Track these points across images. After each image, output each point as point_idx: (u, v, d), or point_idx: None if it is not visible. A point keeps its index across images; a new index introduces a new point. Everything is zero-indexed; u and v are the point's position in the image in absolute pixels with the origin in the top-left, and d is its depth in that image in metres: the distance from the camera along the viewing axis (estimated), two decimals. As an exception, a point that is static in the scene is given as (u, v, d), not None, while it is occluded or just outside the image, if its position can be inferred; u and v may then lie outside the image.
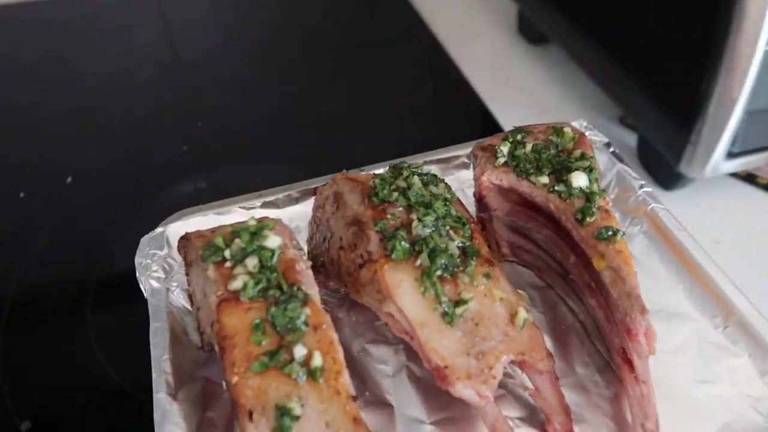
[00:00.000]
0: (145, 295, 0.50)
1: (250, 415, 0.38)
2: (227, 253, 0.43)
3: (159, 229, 0.54)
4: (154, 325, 0.48)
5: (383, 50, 0.95)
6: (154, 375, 0.45)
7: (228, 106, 0.83)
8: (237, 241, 0.44)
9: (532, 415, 0.45)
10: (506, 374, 0.46)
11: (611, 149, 0.60)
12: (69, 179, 0.69)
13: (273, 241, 0.44)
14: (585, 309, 0.49)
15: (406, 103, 0.84)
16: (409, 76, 0.90)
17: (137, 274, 0.52)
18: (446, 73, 0.89)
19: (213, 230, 0.46)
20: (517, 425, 0.44)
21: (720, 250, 0.61)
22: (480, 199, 0.52)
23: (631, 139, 0.76)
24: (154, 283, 0.51)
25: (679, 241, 0.53)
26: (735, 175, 0.72)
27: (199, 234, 0.46)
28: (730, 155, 0.62)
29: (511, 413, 0.45)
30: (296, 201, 0.57)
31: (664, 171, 0.69)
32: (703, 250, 0.52)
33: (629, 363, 0.43)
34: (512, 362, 0.42)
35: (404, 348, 0.49)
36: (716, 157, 0.61)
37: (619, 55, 0.71)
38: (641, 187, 0.57)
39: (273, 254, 0.43)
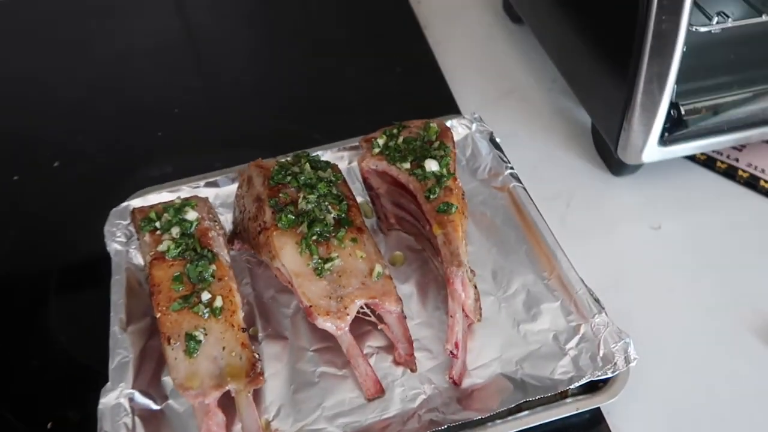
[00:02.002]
0: (110, 255, 0.67)
1: (169, 340, 0.54)
2: (158, 224, 0.59)
3: (124, 204, 0.70)
4: (114, 278, 0.64)
5: (361, 27, 1.02)
6: (111, 314, 0.61)
7: (198, 93, 0.94)
8: (165, 215, 0.59)
9: (390, 346, 0.59)
10: (368, 318, 0.60)
11: (491, 138, 0.73)
12: (56, 163, 0.84)
13: (191, 215, 0.59)
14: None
15: (374, 83, 0.91)
16: (381, 54, 0.96)
17: (105, 239, 0.68)
18: (417, 54, 0.93)
19: (150, 207, 0.61)
20: (378, 352, 0.59)
21: (658, 235, 0.67)
22: (364, 180, 0.65)
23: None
24: (117, 246, 0.67)
25: (529, 212, 0.66)
26: (693, 159, 0.74)
27: (140, 209, 0.61)
28: (664, 141, 0.65)
29: (373, 343, 0.60)
30: (233, 181, 0.72)
31: (613, 157, 0.72)
32: (542, 218, 0.65)
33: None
34: (367, 305, 0.57)
35: (302, 295, 0.64)
36: (650, 144, 0.64)
37: (571, 39, 0.73)
38: (507, 169, 0.70)
39: (191, 225, 0.59)
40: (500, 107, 0.85)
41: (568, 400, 0.53)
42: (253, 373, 0.53)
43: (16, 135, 0.90)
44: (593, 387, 0.54)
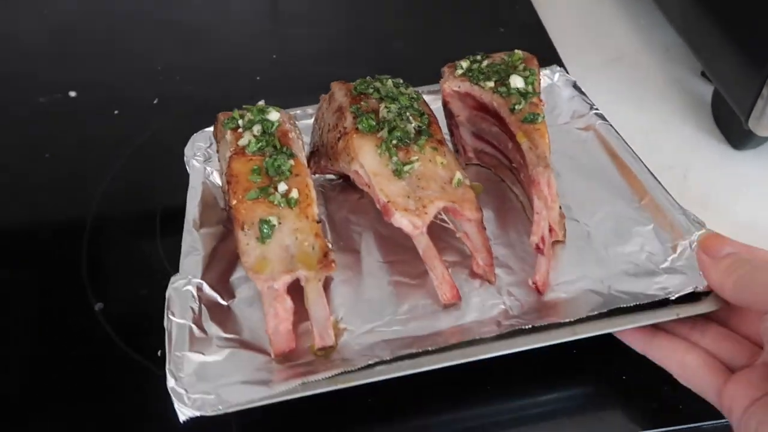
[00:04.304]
0: (188, 171, 0.67)
1: (243, 226, 0.53)
2: (240, 123, 0.59)
3: (207, 129, 0.71)
4: (191, 188, 0.64)
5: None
6: (186, 218, 0.60)
7: (297, 40, 0.97)
8: (248, 114, 0.59)
9: (466, 261, 0.56)
10: (447, 226, 0.58)
11: (575, 85, 0.71)
12: (155, 101, 0.86)
13: (273, 115, 0.59)
14: (523, 190, 0.60)
15: (476, 42, 0.89)
16: (483, 12, 0.97)
17: (185, 158, 0.68)
18: (522, 15, 0.92)
19: (233, 111, 0.61)
20: (452, 266, 0.56)
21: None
22: (444, 105, 0.64)
23: (709, 95, 0.76)
24: (196, 164, 0.67)
25: (613, 146, 0.63)
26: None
27: (224, 113, 0.62)
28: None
29: (448, 258, 0.56)
30: (310, 116, 0.73)
31: (735, 129, 0.69)
32: (631, 150, 0.61)
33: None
34: (445, 209, 0.54)
35: (375, 216, 0.62)
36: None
37: (705, 2, 0.70)
38: (592, 109, 0.68)
39: (272, 125, 0.58)
40: (608, 73, 0.82)
41: (668, 306, 0.48)
42: (325, 260, 0.50)
43: (114, 75, 0.94)
44: (694, 299, 0.49)
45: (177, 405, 0.45)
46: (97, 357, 0.59)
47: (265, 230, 0.52)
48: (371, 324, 0.52)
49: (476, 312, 0.51)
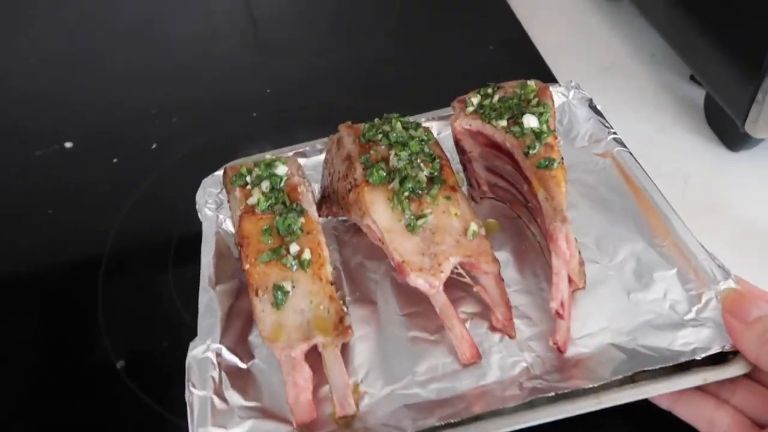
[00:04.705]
0: (201, 220, 0.67)
1: (257, 291, 0.53)
2: (248, 179, 0.58)
3: (217, 173, 0.70)
4: (205, 240, 0.64)
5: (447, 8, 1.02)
6: (201, 273, 0.60)
7: (290, 74, 0.95)
8: (256, 169, 0.58)
9: (485, 312, 0.55)
10: (463, 278, 0.57)
11: (591, 104, 0.69)
12: (154, 145, 0.85)
13: (281, 170, 0.58)
14: (540, 231, 0.59)
15: (467, 61, 0.89)
16: (469, 31, 0.95)
17: (197, 206, 0.68)
18: (509, 32, 0.91)
19: (241, 164, 0.60)
20: (472, 318, 0.55)
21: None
22: (456, 142, 0.62)
23: (700, 98, 0.76)
24: (208, 212, 0.66)
25: (636, 177, 0.61)
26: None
27: (231, 166, 0.61)
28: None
29: (467, 309, 0.56)
30: (319, 152, 0.71)
31: (730, 131, 0.68)
32: (653, 183, 0.59)
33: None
34: (461, 264, 0.53)
35: (390, 261, 0.61)
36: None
37: (690, 7, 0.69)
38: (610, 134, 0.65)
39: (281, 179, 0.58)
40: (600, 82, 0.81)
41: (694, 370, 0.47)
42: (341, 326, 0.50)
43: (108, 123, 0.92)
44: (721, 359, 0.47)
45: None
46: (127, 419, 0.59)
47: (279, 297, 0.51)
48: (391, 387, 0.51)
49: (497, 371, 0.51)
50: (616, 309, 0.53)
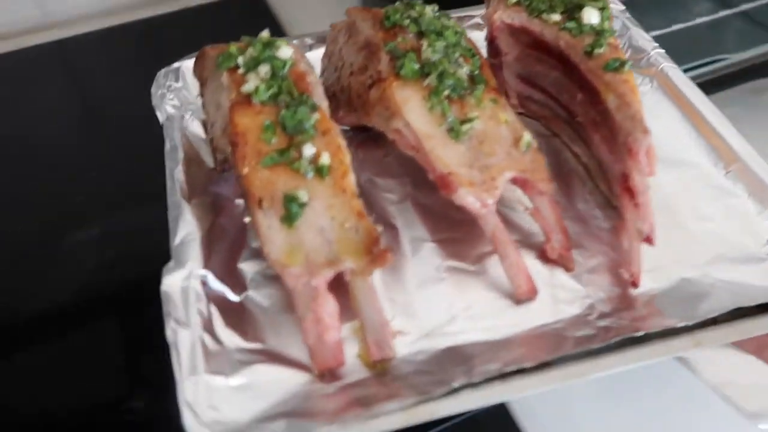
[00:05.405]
0: (160, 121, 0.52)
1: (260, 202, 0.40)
2: (240, 60, 0.44)
3: (176, 65, 0.56)
4: (168, 145, 0.50)
5: None
6: (168, 184, 0.46)
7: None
8: (250, 50, 0.45)
9: (529, 238, 0.46)
10: (506, 199, 0.47)
11: (627, 15, 0.60)
12: None
13: (285, 51, 0.45)
14: (589, 151, 0.50)
15: None
16: None
17: (153, 103, 0.53)
18: None
19: (228, 44, 0.47)
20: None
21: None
22: (491, 41, 0.52)
23: None
24: (170, 110, 0.52)
25: (686, 95, 0.53)
26: None
27: (214, 46, 0.47)
28: None
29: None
30: (310, 48, 0.58)
31: None
32: (709, 102, 0.52)
33: (629, 191, 0.43)
34: (514, 180, 0.44)
35: (410, 180, 0.51)
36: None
37: None
38: (653, 48, 0.57)
39: (284, 64, 0.44)
40: None
41: None
42: (376, 248, 0.39)
43: None
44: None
45: None
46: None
47: (292, 209, 0.39)
48: (429, 326, 0.41)
49: (556, 308, 0.42)
50: (683, 240, 0.46)
